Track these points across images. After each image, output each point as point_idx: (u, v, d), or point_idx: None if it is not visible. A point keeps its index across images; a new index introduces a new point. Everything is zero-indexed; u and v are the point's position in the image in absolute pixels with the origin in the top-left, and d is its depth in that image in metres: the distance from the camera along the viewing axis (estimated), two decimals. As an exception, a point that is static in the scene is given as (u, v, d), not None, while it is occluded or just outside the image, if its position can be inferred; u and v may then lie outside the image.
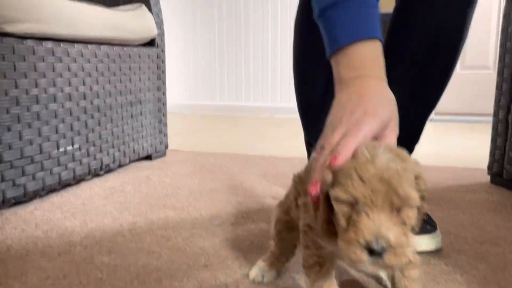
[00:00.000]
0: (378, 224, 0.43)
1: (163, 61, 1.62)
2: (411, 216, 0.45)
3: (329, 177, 0.47)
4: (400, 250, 0.43)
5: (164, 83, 1.64)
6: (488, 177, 1.38)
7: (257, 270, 0.71)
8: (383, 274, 0.69)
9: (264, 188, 1.25)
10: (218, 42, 3.16)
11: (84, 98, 1.23)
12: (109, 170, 1.41)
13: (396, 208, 0.44)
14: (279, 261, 0.71)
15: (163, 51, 1.61)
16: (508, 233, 0.94)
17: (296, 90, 1.10)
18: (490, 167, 1.36)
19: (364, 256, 0.43)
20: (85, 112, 1.24)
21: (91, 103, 1.26)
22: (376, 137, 0.52)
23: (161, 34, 1.59)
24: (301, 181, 0.61)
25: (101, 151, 1.31)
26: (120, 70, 1.38)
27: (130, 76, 1.43)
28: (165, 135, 1.67)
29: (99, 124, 1.30)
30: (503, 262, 0.79)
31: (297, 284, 0.70)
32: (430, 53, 0.84)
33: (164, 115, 1.66)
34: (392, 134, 0.53)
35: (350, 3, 0.57)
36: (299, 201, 0.58)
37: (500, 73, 1.32)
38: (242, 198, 1.16)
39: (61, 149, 1.16)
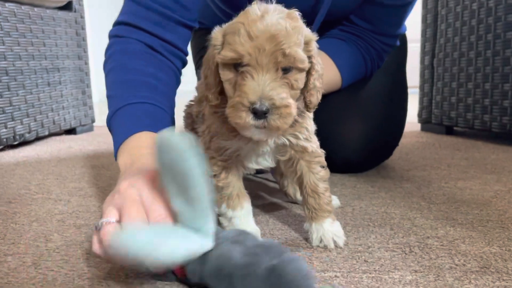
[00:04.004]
0: (263, 85, 0.40)
1: (83, 28, 1.51)
2: (299, 79, 0.43)
3: (218, 40, 0.44)
4: (286, 111, 0.41)
5: (85, 51, 1.53)
6: (419, 126, 1.41)
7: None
8: (291, 190, 0.67)
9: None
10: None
11: (-12, 58, 1.12)
12: (25, 142, 1.29)
13: (282, 68, 0.42)
14: None
15: (82, 17, 1.51)
16: (434, 162, 0.94)
17: None
18: (419, 115, 1.38)
19: (249, 118, 0.41)
20: (-10, 75, 1.12)
21: (-3, 65, 1.15)
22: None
23: (79, -2, 1.49)
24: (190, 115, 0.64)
25: (13, 119, 1.20)
26: (31, 32, 1.26)
27: (43, 40, 1.32)
28: (91, 107, 1.57)
29: (9, 89, 1.18)
30: (427, 181, 0.78)
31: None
32: None
33: (88, 86, 1.55)
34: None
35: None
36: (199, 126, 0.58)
37: (424, 20, 1.34)
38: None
39: (-38, 114, 1.04)
